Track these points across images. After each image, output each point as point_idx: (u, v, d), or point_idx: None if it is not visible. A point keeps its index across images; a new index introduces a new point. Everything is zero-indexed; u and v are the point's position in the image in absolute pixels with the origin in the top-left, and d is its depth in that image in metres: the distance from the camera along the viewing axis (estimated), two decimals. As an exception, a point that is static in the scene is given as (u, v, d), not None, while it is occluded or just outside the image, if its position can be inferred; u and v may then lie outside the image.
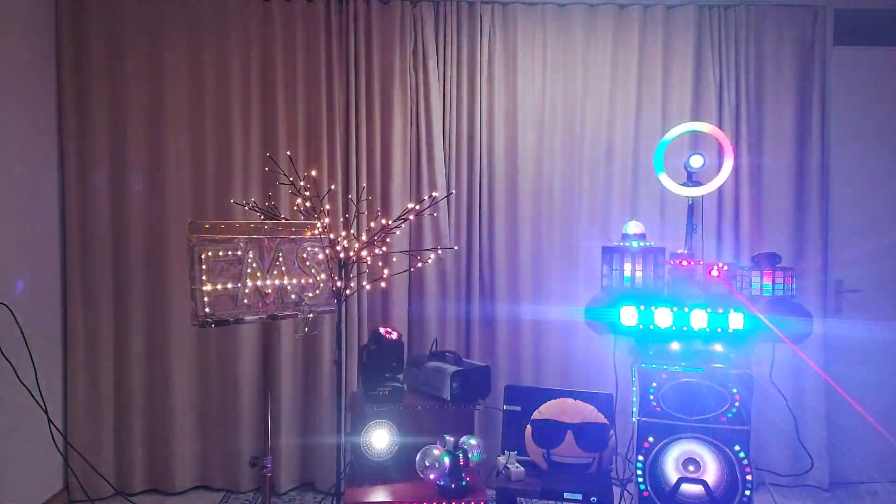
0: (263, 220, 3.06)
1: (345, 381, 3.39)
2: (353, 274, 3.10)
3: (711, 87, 3.69)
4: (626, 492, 3.01)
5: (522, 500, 3.12)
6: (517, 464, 2.80)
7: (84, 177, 3.54)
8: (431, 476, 2.70)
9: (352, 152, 3.63)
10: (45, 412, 2.98)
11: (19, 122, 3.23)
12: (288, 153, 3.39)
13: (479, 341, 3.71)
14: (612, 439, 2.86)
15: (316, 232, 2.75)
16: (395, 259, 3.43)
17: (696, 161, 2.87)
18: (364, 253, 3.03)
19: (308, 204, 3.06)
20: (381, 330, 3.10)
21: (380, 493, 2.75)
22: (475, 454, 2.76)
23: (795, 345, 2.66)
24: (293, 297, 2.63)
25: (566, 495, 2.65)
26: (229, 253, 2.47)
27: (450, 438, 2.76)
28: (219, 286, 2.43)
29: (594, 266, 3.17)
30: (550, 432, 2.80)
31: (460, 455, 2.72)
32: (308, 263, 2.70)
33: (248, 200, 3.36)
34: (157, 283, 3.60)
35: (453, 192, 3.67)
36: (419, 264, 3.39)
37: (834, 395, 3.68)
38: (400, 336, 3.14)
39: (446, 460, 2.70)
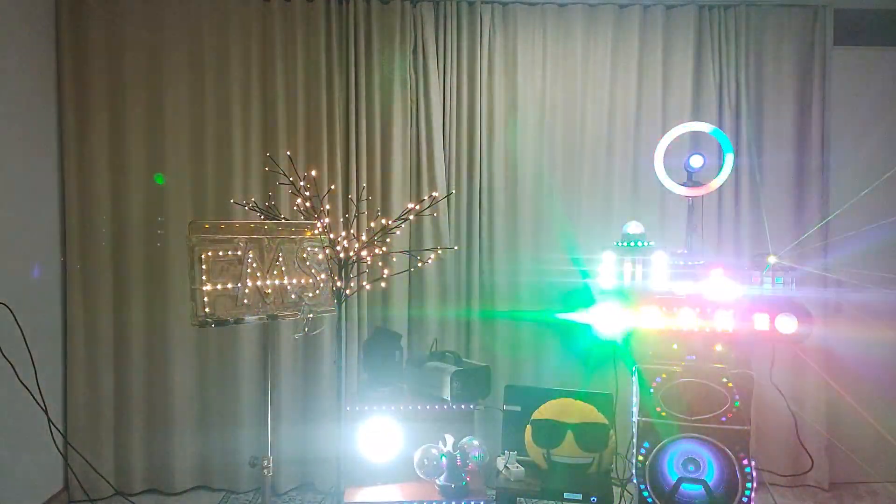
0: (263, 220, 3.07)
1: (345, 381, 3.39)
2: (353, 274, 3.10)
3: (711, 87, 3.69)
4: (626, 492, 3.01)
5: (522, 500, 3.12)
6: (517, 464, 2.80)
7: (84, 177, 3.54)
8: (427, 475, 2.70)
9: (352, 152, 3.63)
10: (45, 412, 2.98)
11: (19, 122, 3.23)
12: (288, 153, 3.39)
13: (479, 341, 3.71)
14: (612, 439, 2.86)
15: (316, 232, 2.75)
16: (395, 259, 3.43)
17: (696, 161, 2.87)
18: (364, 253, 3.03)
19: (308, 204, 3.06)
20: (381, 329, 3.10)
21: (380, 493, 2.75)
22: (476, 455, 2.76)
23: (795, 345, 2.66)
24: (293, 297, 2.63)
25: (566, 495, 2.65)
26: (229, 253, 2.47)
27: (450, 438, 2.76)
28: (219, 286, 2.43)
29: (594, 266, 3.17)
30: (550, 432, 2.80)
31: (458, 455, 2.71)
32: (308, 263, 2.70)
33: (248, 200, 3.36)
34: (157, 283, 3.59)
35: (453, 192, 3.67)
36: (419, 264, 3.39)
37: (834, 395, 3.68)
38: (400, 336, 3.14)
39: (444, 460, 2.69)
